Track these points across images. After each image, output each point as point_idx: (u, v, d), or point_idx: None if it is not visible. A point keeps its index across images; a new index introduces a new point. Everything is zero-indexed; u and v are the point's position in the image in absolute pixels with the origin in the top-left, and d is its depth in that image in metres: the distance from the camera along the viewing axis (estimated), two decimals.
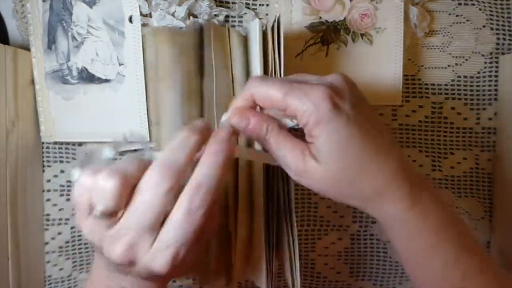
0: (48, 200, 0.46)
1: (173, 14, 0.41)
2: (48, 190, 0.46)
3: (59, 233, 0.47)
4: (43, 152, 0.46)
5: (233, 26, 0.44)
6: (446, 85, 0.46)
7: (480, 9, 0.45)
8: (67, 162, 0.47)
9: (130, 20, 0.41)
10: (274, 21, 0.35)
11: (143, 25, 0.41)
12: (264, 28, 0.34)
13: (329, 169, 0.28)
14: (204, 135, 0.29)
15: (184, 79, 0.39)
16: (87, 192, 0.27)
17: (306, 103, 0.27)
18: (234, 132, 0.30)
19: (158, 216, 0.26)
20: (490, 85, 0.45)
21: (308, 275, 0.48)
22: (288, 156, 0.29)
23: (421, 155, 0.46)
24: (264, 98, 0.29)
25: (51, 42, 0.43)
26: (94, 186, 0.27)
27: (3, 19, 0.45)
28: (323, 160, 0.28)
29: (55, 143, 0.46)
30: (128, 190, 0.27)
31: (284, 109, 0.29)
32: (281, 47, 0.34)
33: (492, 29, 0.45)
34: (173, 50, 0.38)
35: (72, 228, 0.47)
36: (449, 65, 0.45)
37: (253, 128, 0.30)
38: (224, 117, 0.30)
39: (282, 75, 0.34)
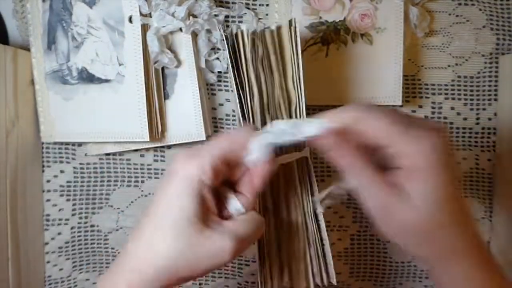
0: (48, 200, 0.46)
1: (173, 14, 0.41)
2: (48, 190, 0.46)
3: (59, 233, 0.47)
4: (43, 152, 0.46)
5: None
6: (446, 85, 0.46)
7: (480, 9, 0.45)
8: (67, 162, 0.47)
9: (130, 20, 0.41)
10: (291, 24, 0.35)
11: (143, 25, 0.41)
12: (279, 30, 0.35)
13: (422, 217, 0.27)
14: None
15: None
16: None
17: (424, 145, 0.26)
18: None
19: None
20: (490, 85, 0.45)
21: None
22: (380, 195, 0.27)
23: None
24: (370, 130, 0.27)
25: (51, 42, 0.43)
26: None
27: (3, 19, 0.45)
28: (419, 206, 0.26)
29: (55, 143, 0.46)
30: None
31: (386, 147, 0.27)
32: (299, 49, 0.35)
33: (492, 29, 0.45)
34: None
35: (72, 228, 0.47)
36: (449, 65, 0.45)
37: (344, 166, 0.29)
38: (308, 127, 0.29)
39: (301, 76, 0.35)
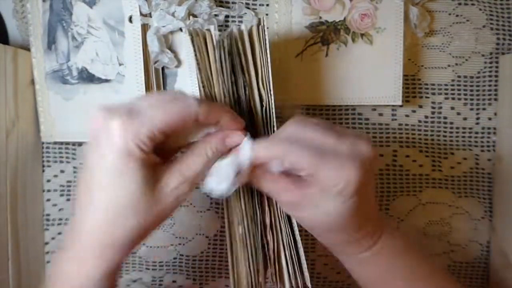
0: (48, 200, 0.46)
1: (173, 14, 0.41)
2: (48, 190, 0.46)
3: (59, 233, 0.47)
4: (43, 152, 0.46)
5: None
6: (446, 85, 0.46)
7: (480, 9, 0.45)
8: (67, 162, 0.47)
9: (130, 20, 0.41)
10: (259, 23, 0.35)
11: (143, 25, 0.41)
12: (250, 30, 0.34)
13: (329, 216, 0.31)
14: None
15: None
16: None
17: (342, 177, 0.29)
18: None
19: None
20: (490, 85, 0.45)
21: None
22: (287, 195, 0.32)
23: (421, 155, 0.46)
24: (294, 162, 0.30)
25: (51, 42, 0.43)
26: None
27: (3, 19, 0.45)
28: (328, 211, 0.31)
29: (55, 143, 0.46)
30: None
31: (307, 175, 0.30)
32: (267, 50, 0.34)
33: (492, 29, 0.45)
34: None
35: None
36: (449, 65, 0.45)
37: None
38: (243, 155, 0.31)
39: (270, 77, 0.34)
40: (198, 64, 0.34)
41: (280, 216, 0.35)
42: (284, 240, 0.35)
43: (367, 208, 0.32)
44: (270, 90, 0.34)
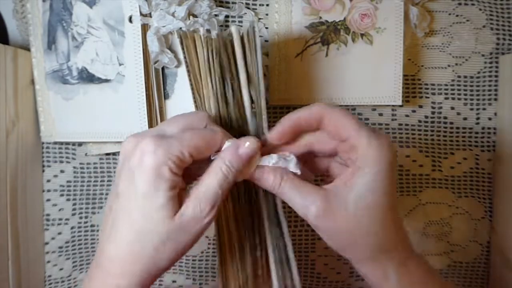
0: (48, 200, 0.47)
1: (173, 14, 0.41)
2: (48, 190, 0.46)
3: (59, 233, 0.47)
4: (43, 152, 0.46)
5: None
6: (446, 85, 0.46)
7: (480, 9, 0.45)
8: (67, 162, 0.47)
9: (130, 20, 0.41)
10: (250, 27, 0.34)
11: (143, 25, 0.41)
12: (241, 34, 0.34)
13: (356, 213, 0.29)
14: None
15: None
16: None
17: (380, 144, 0.28)
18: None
19: None
20: (490, 85, 0.45)
21: (308, 275, 0.48)
22: (308, 198, 0.29)
23: (421, 155, 0.46)
24: (333, 122, 0.30)
25: (51, 42, 0.43)
26: None
27: (3, 19, 0.45)
28: (353, 202, 0.29)
29: (55, 143, 0.46)
30: None
31: (343, 140, 0.30)
32: (258, 53, 0.33)
33: (492, 29, 0.45)
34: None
35: (72, 228, 0.47)
36: (449, 65, 0.45)
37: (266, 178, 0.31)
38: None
39: (261, 80, 0.34)
40: (187, 65, 0.34)
41: (269, 218, 0.35)
42: (273, 242, 0.35)
43: (394, 209, 0.30)
44: (260, 92, 0.34)
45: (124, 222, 0.28)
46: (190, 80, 0.34)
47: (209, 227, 0.29)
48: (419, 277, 0.30)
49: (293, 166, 0.31)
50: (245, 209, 0.35)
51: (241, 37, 0.34)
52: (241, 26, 0.44)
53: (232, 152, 0.29)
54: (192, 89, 0.34)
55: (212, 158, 0.30)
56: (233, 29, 0.34)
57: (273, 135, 0.31)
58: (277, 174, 0.30)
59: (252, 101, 0.34)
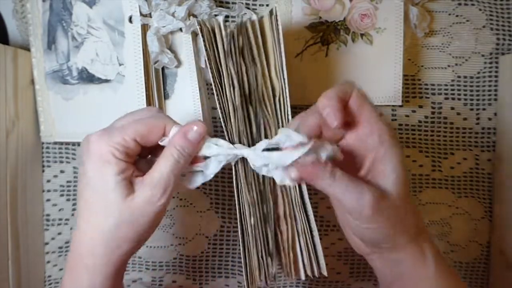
0: (48, 200, 0.47)
1: (173, 14, 0.41)
2: (48, 190, 0.46)
3: (59, 233, 0.47)
4: (43, 152, 0.46)
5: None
6: (446, 85, 0.46)
7: (480, 9, 0.45)
8: (67, 162, 0.47)
9: (130, 20, 0.41)
10: (271, 13, 0.35)
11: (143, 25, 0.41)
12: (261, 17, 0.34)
13: (400, 198, 0.30)
14: None
15: None
16: None
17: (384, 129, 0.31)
18: None
19: None
20: (490, 85, 0.45)
21: None
22: (364, 191, 0.29)
23: (421, 155, 0.46)
24: (364, 109, 0.32)
25: (51, 42, 0.43)
26: None
27: (3, 19, 0.45)
28: (395, 190, 0.30)
29: (55, 143, 0.46)
30: None
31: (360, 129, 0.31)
32: (281, 40, 0.34)
33: (492, 29, 0.45)
34: None
35: (72, 228, 0.47)
36: (449, 65, 0.45)
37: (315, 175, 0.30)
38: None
39: (284, 67, 0.34)
40: (207, 54, 0.34)
41: (295, 205, 0.35)
42: (299, 229, 0.35)
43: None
44: (284, 79, 0.34)
45: (85, 207, 0.31)
46: (210, 68, 0.34)
47: (164, 210, 0.31)
48: (445, 261, 0.32)
49: (334, 152, 0.30)
50: (268, 196, 0.35)
51: (260, 23, 0.34)
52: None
53: (181, 137, 0.31)
54: (213, 77, 0.34)
55: (161, 143, 0.31)
56: (253, 16, 0.34)
57: (335, 120, 0.30)
58: (326, 172, 0.29)
59: (273, 89, 0.34)
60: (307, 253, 0.35)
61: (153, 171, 0.30)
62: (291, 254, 0.35)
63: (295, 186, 0.34)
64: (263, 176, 0.34)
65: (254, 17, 0.34)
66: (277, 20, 0.34)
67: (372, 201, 0.29)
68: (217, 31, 0.34)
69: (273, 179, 0.33)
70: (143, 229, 0.30)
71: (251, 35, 0.34)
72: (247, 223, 0.34)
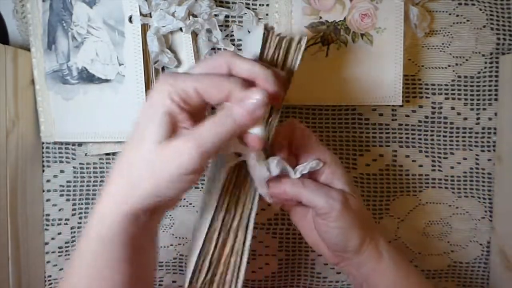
0: (48, 200, 0.47)
1: (173, 14, 0.41)
2: (48, 190, 0.46)
3: (59, 233, 0.47)
4: (43, 152, 0.46)
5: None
6: (446, 85, 0.46)
7: (480, 9, 0.45)
8: (67, 162, 0.47)
9: (130, 20, 0.41)
10: (300, 40, 0.35)
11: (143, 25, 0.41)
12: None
13: (360, 200, 0.36)
14: None
15: None
16: None
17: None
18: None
19: None
20: (490, 85, 0.45)
21: (308, 275, 0.48)
22: (333, 197, 0.34)
23: (421, 155, 0.46)
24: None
25: (51, 42, 0.43)
26: None
27: (3, 19, 0.45)
28: (347, 189, 0.35)
29: (55, 143, 0.46)
30: None
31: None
32: (299, 58, 0.35)
33: (492, 29, 0.45)
34: None
35: (72, 228, 0.47)
36: (449, 65, 0.45)
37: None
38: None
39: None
40: (261, 56, 0.34)
41: (244, 220, 0.34)
42: (235, 246, 0.34)
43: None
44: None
45: (126, 151, 0.29)
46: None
47: (192, 181, 0.28)
48: (395, 251, 0.36)
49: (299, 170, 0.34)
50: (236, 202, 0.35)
51: (289, 42, 0.35)
52: (241, 26, 0.44)
53: (242, 109, 0.28)
54: None
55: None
56: (294, 38, 0.35)
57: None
58: (296, 181, 0.34)
59: None
60: (232, 271, 0.34)
61: (200, 127, 0.28)
62: (222, 268, 0.34)
63: (250, 200, 0.35)
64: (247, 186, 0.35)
65: (287, 36, 0.34)
66: (300, 47, 0.35)
67: (341, 197, 0.34)
68: (269, 37, 0.34)
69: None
70: (169, 180, 0.27)
71: (283, 48, 0.35)
72: (217, 222, 0.34)
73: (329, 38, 0.43)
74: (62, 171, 0.47)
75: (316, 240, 0.37)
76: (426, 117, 0.46)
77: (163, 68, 0.43)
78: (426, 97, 0.46)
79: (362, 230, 0.34)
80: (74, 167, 0.47)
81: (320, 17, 0.43)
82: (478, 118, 0.46)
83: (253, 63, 0.29)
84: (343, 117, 0.46)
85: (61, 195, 0.47)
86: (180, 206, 0.47)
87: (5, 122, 0.41)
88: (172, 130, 0.28)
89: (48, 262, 0.47)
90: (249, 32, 0.43)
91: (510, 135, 0.44)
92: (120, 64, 0.41)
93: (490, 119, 0.46)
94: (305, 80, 0.43)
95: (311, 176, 0.35)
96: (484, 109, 0.46)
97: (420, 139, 0.46)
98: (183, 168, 0.27)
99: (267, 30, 0.34)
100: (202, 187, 0.46)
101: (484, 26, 0.45)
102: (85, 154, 0.46)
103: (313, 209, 0.34)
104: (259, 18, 0.44)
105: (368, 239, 0.35)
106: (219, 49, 0.44)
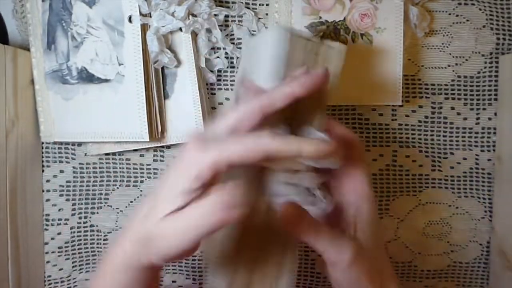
0: (47, 200, 0.46)
1: (172, 14, 0.41)
2: (48, 190, 0.46)
3: (59, 233, 0.47)
4: (42, 152, 0.46)
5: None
6: (446, 85, 0.46)
7: (480, 9, 0.45)
8: (67, 162, 0.47)
9: (130, 20, 0.41)
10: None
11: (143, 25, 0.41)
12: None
13: (373, 248, 0.33)
14: None
15: None
16: None
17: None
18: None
19: None
20: (490, 85, 0.45)
21: (308, 275, 0.48)
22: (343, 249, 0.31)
23: (421, 155, 0.46)
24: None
25: (50, 42, 0.43)
26: None
27: (3, 19, 0.45)
28: (367, 241, 0.32)
29: (55, 143, 0.46)
30: None
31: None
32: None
33: (492, 29, 0.45)
34: None
35: (71, 228, 0.47)
36: (449, 65, 0.45)
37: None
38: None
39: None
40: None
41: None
42: None
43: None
44: None
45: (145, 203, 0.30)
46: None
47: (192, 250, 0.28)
48: None
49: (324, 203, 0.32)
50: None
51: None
52: (241, 26, 0.44)
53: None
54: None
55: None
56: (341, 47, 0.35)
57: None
58: (311, 228, 0.31)
59: None
60: None
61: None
62: None
63: None
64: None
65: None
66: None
67: (351, 255, 0.31)
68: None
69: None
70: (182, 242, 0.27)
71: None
72: None
73: (329, 38, 0.43)
74: (61, 171, 0.47)
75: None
76: (426, 117, 0.46)
77: (163, 68, 0.43)
78: (426, 97, 0.46)
79: (371, 282, 0.32)
80: (73, 167, 0.47)
81: (320, 17, 0.43)
82: (478, 118, 0.46)
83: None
84: (343, 117, 0.46)
85: (61, 195, 0.47)
86: None
87: (4, 122, 0.41)
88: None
89: (48, 262, 0.47)
90: (251, 33, 0.43)
91: (510, 135, 0.44)
92: (119, 64, 0.41)
93: (490, 119, 0.46)
94: None
95: (338, 207, 0.34)
96: (484, 109, 0.46)
97: (420, 139, 0.46)
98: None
99: (290, 32, 0.33)
100: None
101: (484, 26, 0.45)
102: (85, 154, 0.46)
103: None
104: (259, 18, 0.44)
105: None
106: (218, 48, 0.44)
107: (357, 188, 0.33)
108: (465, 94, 0.46)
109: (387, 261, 0.35)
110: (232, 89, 0.45)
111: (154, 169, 0.46)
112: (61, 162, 0.47)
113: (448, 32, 0.45)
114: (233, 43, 0.44)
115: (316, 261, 0.48)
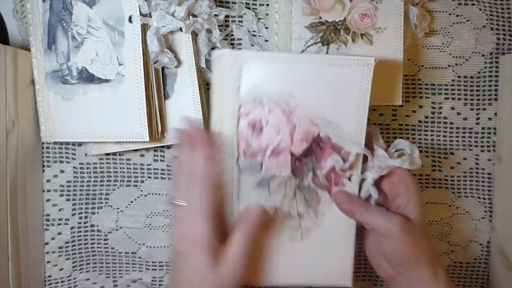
0: (48, 200, 0.47)
1: (173, 14, 0.41)
2: (48, 190, 0.46)
3: (59, 233, 0.47)
4: (43, 152, 0.46)
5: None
6: (446, 85, 0.46)
7: (480, 9, 0.45)
8: (67, 162, 0.47)
9: (130, 20, 0.41)
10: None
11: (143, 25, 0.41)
12: None
13: (422, 225, 0.38)
14: None
15: None
16: None
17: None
18: None
19: None
20: (490, 85, 0.45)
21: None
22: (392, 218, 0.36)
23: (421, 155, 0.46)
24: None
25: (51, 42, 0.43)
26: None
27: (3, 19, 0.45)
28: (413, 218, 0.37)
29: (55, 143, 0.46)
30: None
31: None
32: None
33: (492, 29, 0.45)
34: None
35: (72, 228, 0.47)
36: (449, 65, 0.45)
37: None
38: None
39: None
40: None
41: None
42: None
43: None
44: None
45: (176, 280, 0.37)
46: None
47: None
48: (453, 284, 0.39)
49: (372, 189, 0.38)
50: None
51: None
52: (241, 26, 0.44)
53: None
54: None
55: None
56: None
57: None
58: (361, 206, 0.37)
59: None
60: None
61: (229, 246, 0.35)
62: None
63: None
64: None
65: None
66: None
67: (401, 222, 0.36)
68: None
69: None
70: None
71: None
72: None
73: (329, 38, 0.43)
74: (62, 171, 0.47)
75: (374, 253, 0.40)
76: (426, 117, 0.46)
77: (163, 68, 0.43)
78: (426, 97, 0.46)
79: (421, 251, 0.36)
80: (74, 167, 0.47)
81: (320, 17, 0.43)
82: (478, 118, 0.46)
83: None
84: None
85: (61, 195, 0.47)
86: None
87: (5, 122, 0.41)
88: (214, 260, 0.35)
89: (48, 262, 0.47)
90: (251, 33, 0.44)
91: (510, 135, 0.44)
92: (120, 64, 0.41)
93: (490, 119, 0.46)
94: None
95: (390, 192, 0.39)
96: (484, 109, 0.46)
97: (420, 139, 0.46)
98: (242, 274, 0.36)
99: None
100: None
101: (484, 26, 0.45)
102: (85, 154, 0.46)
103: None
104: (259, 18, 0.44)
105: (424, 259, 0.36)
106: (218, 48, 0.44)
107: (407, 181, 0.38)
108: (465, 94, 0.46)
109: (433, 243, 0.40)
110: None
111: (154, 169, 0.46)
112: (61, 162, 0.47)
113: (448, 32, 0.45)
114: (232, 44, 0.44)
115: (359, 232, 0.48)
